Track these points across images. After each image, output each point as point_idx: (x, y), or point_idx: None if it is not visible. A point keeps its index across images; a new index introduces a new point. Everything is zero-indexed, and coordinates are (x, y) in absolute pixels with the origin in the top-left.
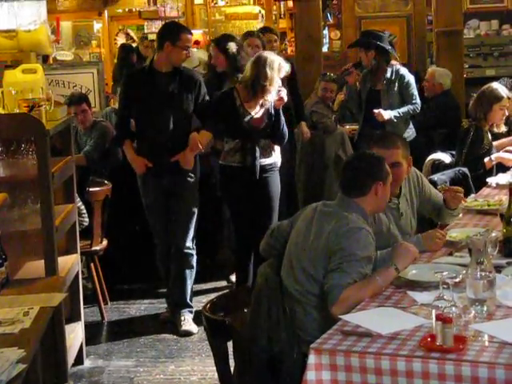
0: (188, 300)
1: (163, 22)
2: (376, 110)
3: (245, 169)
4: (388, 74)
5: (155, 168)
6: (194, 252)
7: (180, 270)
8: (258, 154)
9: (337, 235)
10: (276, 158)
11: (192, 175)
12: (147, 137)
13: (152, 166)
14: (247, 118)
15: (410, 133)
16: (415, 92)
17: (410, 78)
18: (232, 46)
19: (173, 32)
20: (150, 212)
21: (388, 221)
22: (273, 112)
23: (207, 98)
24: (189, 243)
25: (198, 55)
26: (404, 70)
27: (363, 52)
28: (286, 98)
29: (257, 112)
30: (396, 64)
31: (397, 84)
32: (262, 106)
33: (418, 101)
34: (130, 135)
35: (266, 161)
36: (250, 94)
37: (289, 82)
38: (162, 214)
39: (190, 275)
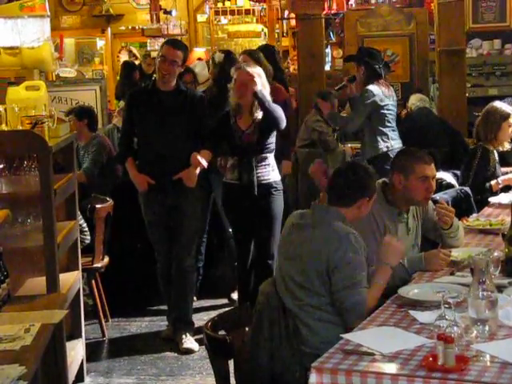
0: (189, 317)
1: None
2: None
3: (243, 186)
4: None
5: (158, 185)
6: (194, 269)
7: (181, 287)
8: (254, 170)
9: (331, 247)
10: (275, 176)
11: (195, 193)
12: (149, 155)
13: (154, 184)
14: (239, 135)
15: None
16: (359, 114)
17: (365, 97)
18: (219, 56)
19: (160, 47)
20: (151, 229)
21: (395, 233)
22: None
23: (208, 117)
24: (190, 261)
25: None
26: (371, 88)
27: (355, 67)
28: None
29: (248, 127)
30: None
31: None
32: (253, 121)
33: (351, 119)
34: (132, 153)
35: (264, 178)
36: (237, 109)
37: None
38: (163, 231)
39: (191, 292)
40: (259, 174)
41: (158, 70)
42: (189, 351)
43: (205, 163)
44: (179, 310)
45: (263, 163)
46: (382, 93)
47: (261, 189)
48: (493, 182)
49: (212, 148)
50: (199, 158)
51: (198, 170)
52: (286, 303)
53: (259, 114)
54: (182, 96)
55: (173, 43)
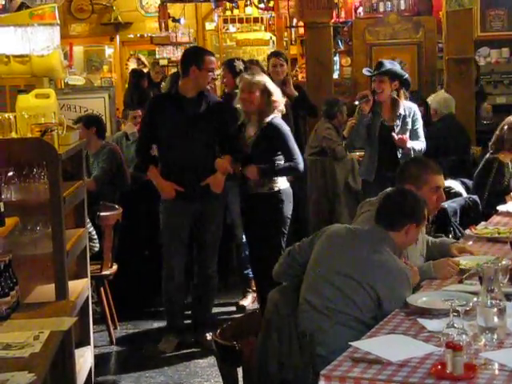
0: (210, 319)
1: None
2: (398, 136)
3: (241, 195)
4: (401, 110)
5: (185, 193)
6: (216, 275)
7: (205, 292)
8: (248, 181)
9: (385, 277)
10: (276, 186)
11: (219, 199)
12: (174, 161)
13: (182, 191)
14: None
15: None
16: (421, 131)
17: (419, 115)
18: (238, 64)
19: (197, 56)
20: (170, 235)
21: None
22: (268, 134)
23: (232, 124)
24: (214, 266)
25: None
26: (415, 107)
27: (387, 82)
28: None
29: (249, 137)
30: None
31: (409, 121)
32: (256, 132)
33: (424, 140)
34: (152, 160)
35: (258, 189)
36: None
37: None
38: (184, 239)
39: (213, 297)
40: (252, 184)
41: (205, 79)
42: None
43: (230, 169)
44: (202, 314)
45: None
46: None
47: (258, 198)
48: (507, 197)
49: (234, 153)
50: (225, 163)
51: (224, 176)
52: (315, 304)
53: (260, 132)
54: (206, 102)
55: (212, 53)
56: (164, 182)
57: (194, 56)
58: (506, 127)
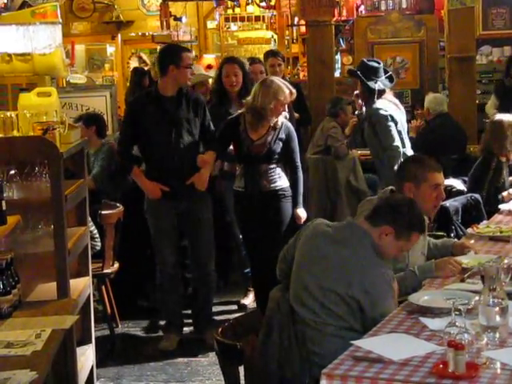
0: (212, 316)
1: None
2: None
3: (249, 193)
4: (363, 111)
5: (171, 192)
6: (215, 272)
7: (206, 291)
8: (260, 180)
9: (363, 282)
10: (283, 182)
11: (206, 197)
12: (157, 162)
13: (167, 191)
14: (247, 144)
15: None
16: (391, 133)
17: (382, 116)
18: (247, 63)
19: (174, 54)
20: (161, 236)
21: None
22: (283, 136)
23: (210, 120)
24: (212, 265)
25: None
26: (379, 104)
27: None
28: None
29: (259, 138)
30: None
31: (367, 124)
32: (268, 132)
33: (394, 144)
34: (135, 161)
35: (271, 185)
36: (254, 120)
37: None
38: (174, 239)
39: (213, 295)
40: (265, 182)
41: (185, 76)
42: None
43: (211, 164)
44: (204, 312)
45: (270, 171)
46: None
47: (268, 196)
48: (505, 194)
49: (218, 150)
50: (206, 158)
51: (207, 173)
52: (300, 313)
53: (275, 133)
54: (186, 99)
55: (188, 49)
56: (148, 183)
57: (171, 54)
58: (489, 134)
